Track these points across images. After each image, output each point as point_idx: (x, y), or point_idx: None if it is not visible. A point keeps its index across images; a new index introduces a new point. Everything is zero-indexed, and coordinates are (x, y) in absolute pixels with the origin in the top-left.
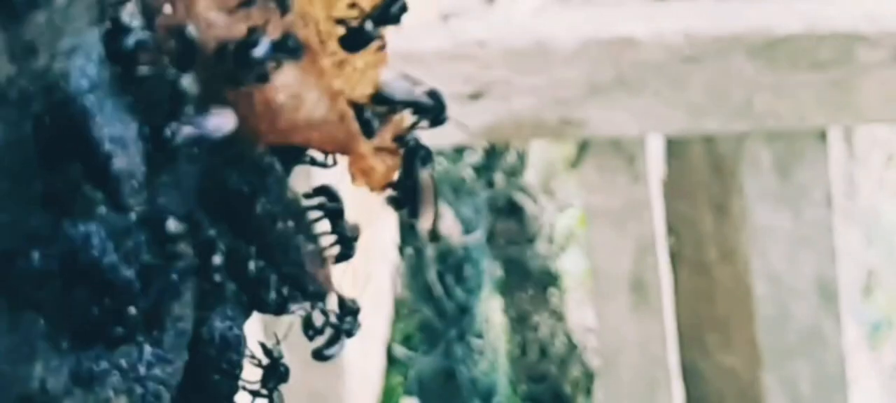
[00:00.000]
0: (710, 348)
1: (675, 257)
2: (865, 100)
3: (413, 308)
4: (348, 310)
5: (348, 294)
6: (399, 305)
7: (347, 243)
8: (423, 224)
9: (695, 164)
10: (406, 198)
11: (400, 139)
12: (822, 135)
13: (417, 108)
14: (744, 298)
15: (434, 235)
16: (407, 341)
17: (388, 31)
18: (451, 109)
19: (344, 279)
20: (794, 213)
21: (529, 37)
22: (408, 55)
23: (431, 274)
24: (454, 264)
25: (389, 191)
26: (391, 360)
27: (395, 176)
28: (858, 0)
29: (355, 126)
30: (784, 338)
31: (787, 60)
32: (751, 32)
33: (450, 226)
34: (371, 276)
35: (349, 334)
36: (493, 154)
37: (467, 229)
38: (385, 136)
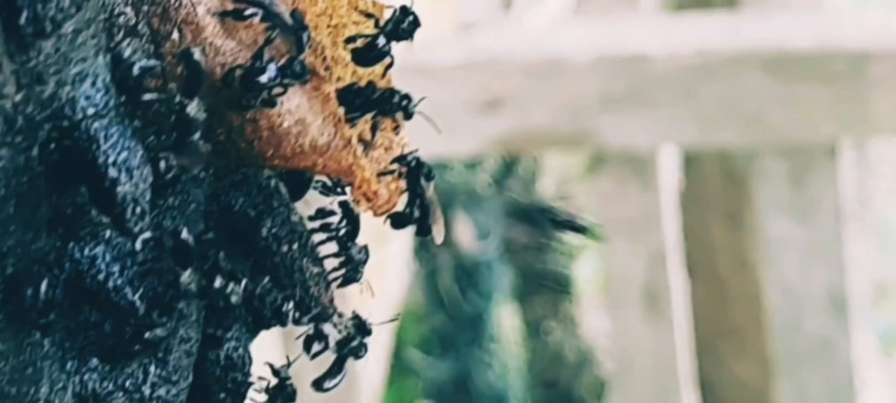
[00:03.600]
0: (724, 356)
1: (690, 267)
2: (875, 113)
3: (428, 313)
4: (352, 335)
5: (359, 310)
6: (415, 311)
7: (355, 266)
8: (436, 239)
9: (709, 176)
10: (416, 216)
11: (401, 159)
12: (833, 149)
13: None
14: (756, 308)
15: (448, 243)
16: (422, 346)
17: (406, 45)
18: (468, 120)
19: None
20: (805, 225)
21: (544, 50)
22: (425, 67)
23: (447, 281)
24: (469, 270)
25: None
26: (407, 365)
27: (399, 200)
28: (868, 18)
29: (360, 151)
30: (796, 347)
31: (799, 75)
32: (763, 48)
33: (465, 234)
34: (385, 282)
35: (356, 356)
36: (508, 163)
37: (482, 236)
38: (386, 159)
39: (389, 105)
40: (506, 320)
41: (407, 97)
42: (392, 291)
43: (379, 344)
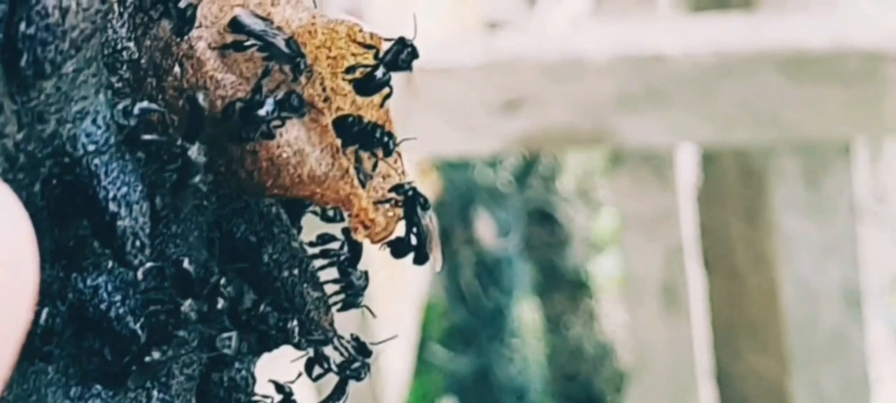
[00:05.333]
0: (741, 350)
1: (707, 262)
2: (889, 113)
3: (450, 309)
4: (354, 356)
5: (383, 307)
6: (437, 306)
7: (355, 291)
8: (435, 267)
9: (726, 174)
10: (412, 246)
11: (397, 189)
12: (847, 148)
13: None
14: (773, 302)
15: (470, 240)
16: (444, 341)
17: (429, 45)
18: (489, 120)
19: (379, 280)
20: (820, 222)
21: (563, 50)
22: (446, 68)
23: (468, 277)
24: (490, 267)
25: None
26: (429, 360)
27: (396, 227)
28: (883, 19)
29: (357, 181)
30: (811, 342)
31: (814, 75)
32: (779, 48)
33: (486, 231)
34: (405, 279)
35: (357, 378)
36: (529, 161)
37: (503, 233)
38: (383, 187)
39: (371, 139)
40: (526, 315)
41: (389, 134)
42: (415, 289)
43: (404, 339)
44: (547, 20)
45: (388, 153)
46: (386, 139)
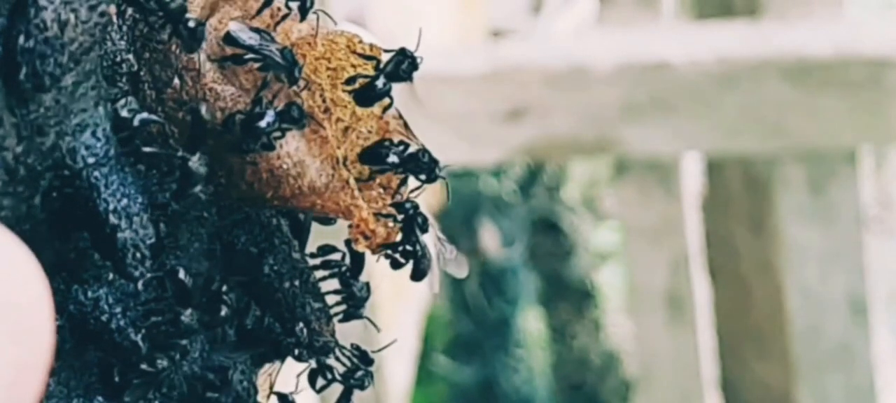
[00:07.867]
0: (746, 359)
1: (712, 271)
2: (894, 121)
3: (455, 319)
4: (357, 365)
5: (389, 314)
6: (441, 316)
7: (357, 302)
8: (431, 288)
9: (731, 182)
10: (408, 263)
11: (399, 205)
12: (853, 156)
13: (408, 168)
14: (778, 311)
15: (474, 249)
16: (449, 352)
17: (433, 54)
18: (492, 129)
19: (383, 290)
20: (825, 230)
21: (567, 59)
22: (450, 77)
23: (473, 287)
24: (495, 276)
25: (389, 252)
26: (433, 371)
27: (397, 236)
28: (888, 27)
29: (357, 192)
30: (816, 351)
31: (819, 83)
32: (784, 56)
33: (491, 241)
34: (407, 289)
35: (361, 387)
36: (533, 171)
37: (508, 243)
38: (385, 202)
39: (418, 165)
40: (531, 325)
41: (435, 161)
42: (418, 296)
43: (406, 348)
44: (551, 29)
45: (432, 180)
46: (432, 165)
